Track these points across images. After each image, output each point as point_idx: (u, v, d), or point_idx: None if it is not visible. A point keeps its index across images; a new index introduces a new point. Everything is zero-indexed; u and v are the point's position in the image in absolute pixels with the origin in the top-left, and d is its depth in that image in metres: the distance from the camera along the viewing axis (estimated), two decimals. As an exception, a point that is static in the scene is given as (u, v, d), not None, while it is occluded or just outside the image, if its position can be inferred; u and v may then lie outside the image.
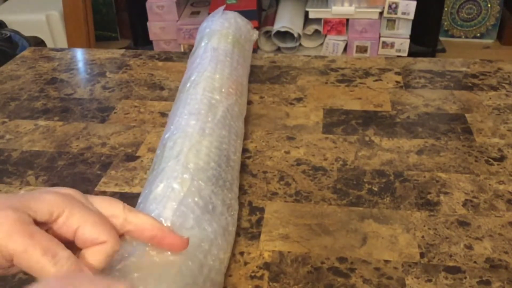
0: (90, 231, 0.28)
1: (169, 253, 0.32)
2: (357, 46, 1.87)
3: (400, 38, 1.84)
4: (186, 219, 0.36)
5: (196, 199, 0.38)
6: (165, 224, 0.35)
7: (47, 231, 0.27)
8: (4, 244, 0.25)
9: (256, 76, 0.70)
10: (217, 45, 0.58)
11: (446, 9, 2.13)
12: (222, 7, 0.66)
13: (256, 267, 0.40)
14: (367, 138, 0.56)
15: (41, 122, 0.61)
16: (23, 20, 1.90)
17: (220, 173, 0.42)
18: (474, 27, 2.17)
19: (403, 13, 1.79)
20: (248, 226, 0.44)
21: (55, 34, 1.97)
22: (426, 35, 1.93)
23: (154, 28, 1.94)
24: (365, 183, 0.49)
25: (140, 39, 2.04)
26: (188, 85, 0.52)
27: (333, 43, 1.87)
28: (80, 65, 0.77)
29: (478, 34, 2.18)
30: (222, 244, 0.37)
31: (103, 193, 0.48)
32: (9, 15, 1.91)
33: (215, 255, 0.36)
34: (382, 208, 0.46)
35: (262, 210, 0.46)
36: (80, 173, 0.51)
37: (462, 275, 0.39)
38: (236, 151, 0.47)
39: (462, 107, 0.61)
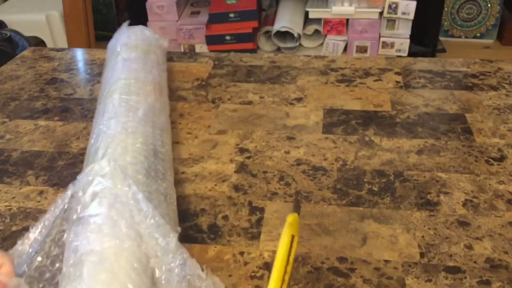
0: None
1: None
2: (357, 46, 1.87)
3: (400, 38, 1.84)
4: (123, 211, 0.36)
5: (130, 191, 0.38)
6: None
7: None
8: None
9: (256, 76, 0.70)
10: (128, 56, 0.59)
11: (446, 9, 2.12)
12: (126, 22, 0.67)
13: (256, 267, 0.40)
14: (367, 138, 0.56)
15: (41, 122, 0.61)
16: (23, 20, 1.90)
17: (150, 165, 0.43)
18: (474, 27, 2.17)
19: (403, 13, 1.79)
20: (248, 226, 0.44)
21: (55, 34, 1.97)
22: (426, 35, 1.93)
23: (154, 28, 1.94)
24: (365, 183, 0.49)
25: (140, 39, 2.04)
26: (103, 97, 0.52)
27: (333, 43, 1.87)
28: (80, 65, 0.77)
29: (478, 34, 2.18)
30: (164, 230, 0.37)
31: (103, 193, 0.48)
32: (9, 15, 1.91)
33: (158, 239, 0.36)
34: (382, 208, 0.46)
35: (262, 210, 0.46)
36: (80, 173, 0.51)
37: (462, 275, 0.39)
38: (163, 144, 0.48)
39: (462, 107, 0.61)
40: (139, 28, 0.66)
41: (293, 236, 0.28)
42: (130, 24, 0.67)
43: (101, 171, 0.39)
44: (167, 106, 0.56)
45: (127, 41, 0.62)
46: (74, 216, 0.36)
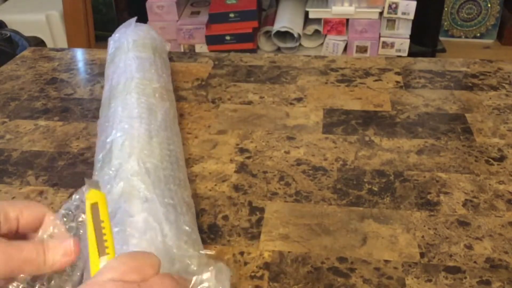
0: (27, 214, 0.32)
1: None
2: (357, 46, 1.87)
3: (400, 38, 1.84)
4: (154, 216, 0.36)
5: (160, 197, 0.37)
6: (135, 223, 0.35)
7: None
8: None
9: (256, 76, 0.70)
10: (139, 54, 0.58)
11: (446, 9, 2.12)
12: (133, 19, 0.66)
13: (256, 267, 0.40)
14: (367, 138, 0.56)
15: (41, 122, 0.61)
16: (23, 20, 1.90)
17: (174, 171, 0.42)
18: (474, 27, 2.17)
19: (403, 13, 1.79)
20: (248, 226, 0.44)
21: (55, 34, 1.97)
22: (426, 35, 1.93)
23: (154, 28, 1.93)
24: (365, 183, 0.49)
25: (140, 39, 2.04)
26: (118, 92, 0.51)
27: (333, 43, 1.87)
28: (80, 65, 0.77)
29: (478, 34, 2.18)
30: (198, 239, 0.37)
31: (103, 193, 0.48)
32: (9, 15, 1.91)
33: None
34: (382, 208, 0.46)
35: (262, 210, 0.46)
36: (80, 173, 0.51)
37: (462, 275, 0.39)
38: (181, 151, 0.48)
39: (462, 107, 0.61)
40: (146, 27, 0.65)
41: (93, 205, 0.29)
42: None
43: (130, 171, 0.38)
44: (176, 113, 0.56)
45: (136, 38, 0.61)
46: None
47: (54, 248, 0.31)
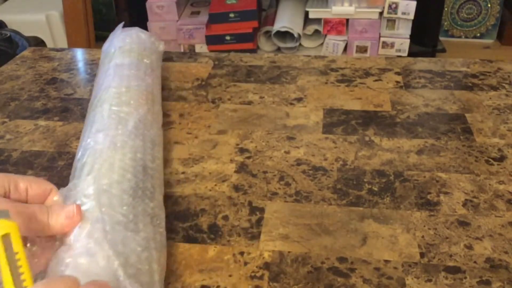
0: (36, 187, 0.35)
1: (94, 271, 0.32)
2: (357, 46, 1.87)
3: (400, 38, 1.84)
4: (103, 237, 0.34)
5: (113, 214, 0.36)
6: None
7: None
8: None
9: (256, 76, 0.70)
10: (121, 61, 0.56)
11: (446, 9, 2.13)
12: (121, 24, 0.65)
13: (256, 267, 0.40)
14: (367, 138, 0.56)
15: (41, 122, 0.61)
16: (23, 20, 1.90)
17: (138, 183, 0.40)
18: (474, 27, 2.17)
19: (403, 13, 1.79)
20: (248, 226, 0.44)
21: (55, 34, 1.97)
22: (426, 35, 1.93)
23: (154, 28, 1.94)
24: (365, 183, 0.49)
25: (140, 39, 2.04)
26: (93, 106, 0.50)
27: (333, 43, 1.87)
28: (80, 65, 0.77)
29: (478, 34, 2.18)
30: (152, 255, 0.36)
31: (103, 193, 0.48)
32: (9, 15, 1.91)
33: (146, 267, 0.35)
34: (382, 208, 0.46)
35: (262, 210, 0.46)
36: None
37: (462, 275, 0.39)
38: (154, 158, 0.45)
39: (462, 107, 0.61)
40: (134, 31, 0.63)
41: (4, 237, 0.28)
42: (129, 25, 0.66)
43: (85, 190, 0.37)
44: (160, 117, 0.54)
45: (122, 44, 0.59)
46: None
47: (58, 210, 0.34)
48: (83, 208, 0.36)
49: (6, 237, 0.28)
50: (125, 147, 0.43)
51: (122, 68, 0.55)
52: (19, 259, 0.28)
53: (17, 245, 0.28)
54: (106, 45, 0.62)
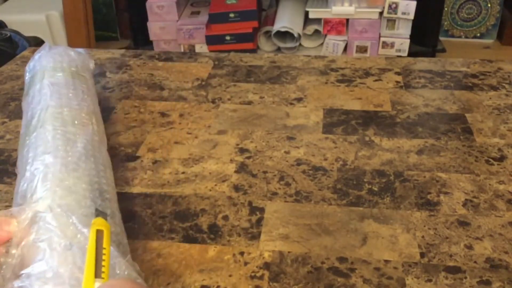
0: None
1: None
2: (357, 46, 1.87)
3: (400, 38, 1.84)
4: (70, 271, 0.31)
5: (76, 249, 0.33)
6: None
7: None
8: None
9: (256, 76, 0.70)
10: (55, 80, 0.53)
11: (446, 9, 2.13)
12: (46, 44, 0.61)
13: (256, 267, 0.40)
14: (367, 138, 0.56)
15: (41, 122, 0.61)
16: (23, 20, 1.90)
17: (98, 208, 0.38)
18: (474, 27, 2.17)
19: (403, 13, 1.79)
20: (248, 226, 0.44)
21: (55, 34, 1.97)
22: (426, 35, 1.93)
23: (154, 28, 1.94)
24: (365, 183, 0.49)
25: (140, 39, 2.04)
26: (32, 127, 0.46)
27: (333, 43, 1.87)
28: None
29: (478, 34, 2.18)
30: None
31: (103, 193, 0.48)
32: (9, 15, 1.91)
33: None
34: (382, 208, 0.46)
35: (262, 210, 0.46)
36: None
37: (462, 275, 0.39)
38: (108, 181, 0.43)
39: (462, 107, 0.61)
40: (62, 49, 0.60)
41: (99, 231, 0.31)
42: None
43: (44, 219, 0.34)
44: (105, 137, 0.50)
45: (52, 63, 0.56)
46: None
47: None
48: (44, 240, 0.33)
49: (99, 232, 0.31)
50: (78, 170, 0.40)
51: (58, 87, 0.51)
52: (104, 253, 0.30)
53: (106, 243, 0.30)
54: (30, 64, 0.58)
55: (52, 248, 0.32)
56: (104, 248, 0.30)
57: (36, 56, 0.58)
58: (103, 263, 0.29)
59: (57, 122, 0.45)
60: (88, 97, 0.53)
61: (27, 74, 0.57)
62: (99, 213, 0.32)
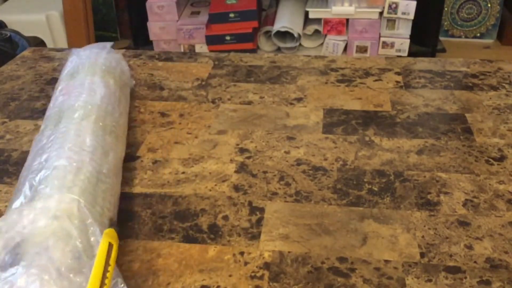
0: None
1: None
2: (357, 46, 1.87)
3: (400, 38, 1.84)
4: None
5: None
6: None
7: None
8: None
9: (256, 76, 0.70)
10: (107, 83, 0.54)
11: (446, 9, 2.13)
12: (110, 44, 0.61)
13: (256, 267, 0.40)
14: (367, 138, 0.56)
15: (41, 122, 0.61)
16: (23, 20, 1.90)
17: (112, 219, 0.40)
18: (474, 27, 2.17)
19: (403, 13, 1.79)
20: (248, 226, 0.44)
21: (55, 34, 1.97)
22: (426, 35, 1.93)
23: (154, 28, 1.94)
24: (365, 183, 0.49)
25: (140, 39, 2.04)
26: (74, 113, 0.47)
27: (333, 43, 1.87)
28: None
29: (478, 34, 2.18)
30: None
31: (103, 193, 0.48)
32: (9, 15, 1.91)
33: None
34: (382, 208, 0.46)
35: (262, 210, 0.46)
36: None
37: (462, 275, 0.39)
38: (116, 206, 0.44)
39: (462, 107, 0.61)
40: (119, 57, 0.60)
41: (110, 244, 0.30)
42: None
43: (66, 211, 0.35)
44: (123, 156, 0.51)
45: (107, 66, 0.57)
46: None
47: None
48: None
49: (110, 246, 0.31)
50: (106, 183, 0.42)
51: (109, 93, 0.53)
52: (109, 271, 0.30)
53: (113, 260, 0.30)
54: (83, 52, 0.59)
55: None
56: (109, 265, 0.30)
57: (94, 49, 0.59)
58: (107, 279, 0.29)
59: (99, 126, 0.47)
60: (124, 115, 0.55)
61: (74, 58, 0.58)
62: (112, 224, 0.32)
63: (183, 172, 0.51)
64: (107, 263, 0.30)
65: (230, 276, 0.39)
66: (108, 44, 0.61)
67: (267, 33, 1.90)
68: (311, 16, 1.84)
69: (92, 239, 0.34)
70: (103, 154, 0.44)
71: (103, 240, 0.30)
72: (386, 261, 0.40)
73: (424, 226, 0.44)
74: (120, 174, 0.47)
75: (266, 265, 0.40)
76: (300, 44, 1.89)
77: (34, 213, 0.35)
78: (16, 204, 0.38)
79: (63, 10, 1.91)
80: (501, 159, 0.52)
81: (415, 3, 1.76)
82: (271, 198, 0.47)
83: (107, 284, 0.29)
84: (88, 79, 0.53)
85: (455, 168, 0.51)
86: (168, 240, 0.43)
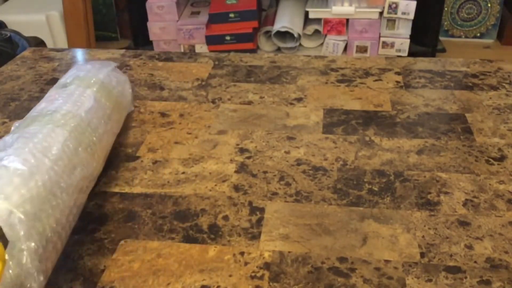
0: None
1: None
2: (357, 46, 1.87)
3: (400, 38, 1.84)
4: None
5: None
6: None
7: None
8: None
9: (256, 76, 0.70)
10: (100, 99, 0.51)
11: (446, 9, 2.13)
12: (114, 64, 0.59)
13: (256, 267, 0.40)
14: (367, 138, 0.56)
15: (41, 122, 0.61)
16: (23, 20, 1.90)
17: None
18: (474, 27, 2.17)
19: (403, 13, 1.79)
20: (248, 226, 0.44)
21: (55, 34, 1.97)
22: (426, 35, 1.93)
23: (154, 28, 1.94)
24: (365, 183, 0.49)
25: (140, 39, 2.04)
26: (52, 118, 0.44)
27: (333, 43, 1.87)
28: (80, 65, 0.77)
29: (478, 34, 2.18)
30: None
31: (104, 193, 0.48)
32: (9, 15, 1.91)
33: None
34: (382, 208, 0.46)
35: (262, 210, 0.46)
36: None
37: (463, 275, 0.39)
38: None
39: (462, 107, 0.61)
40: (124, 80, 0.59)
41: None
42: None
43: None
44: (94, 178, 0.47)
45: (106, 81, 0.54)
46: None
47: None
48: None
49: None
50: (57, 198, 0.38)
51: (100, 108, 0.50)
52: None
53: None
54: (88, 65, 0.56)
55: None
56: None
57: (103, 67, 0.56)
58: None
59: (72, 136, 0.43)
60: (110, 135, 0.51)
61: (77, 69, 0.55)
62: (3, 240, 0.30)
63: (183, 172, 0.51)
64: None
65: (230, 276, 0.39)
66: (114, 64, 0.59)
67: (267, 33, 1.90)
68: (311, 16, 1.85)
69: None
70: (69, 167, 0.40)
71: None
72: (386, 261, 0.40)
73: (424, 226, 0.44)
74: (87, 193, 0.43)
75: (266, 265, 0.40)
76: (300, 44, 1.89)
77: None
78: None
79: (63, 10, 1.91)
80: (501, 159, 0.52)
81: (415, 3, 1.76)
82: (271, 198, 0.47)
83: None
84: (79, 90, 0.50)
85: (455, 168, 0.51)
86: (168, 240, 0.43)
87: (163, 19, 1.93)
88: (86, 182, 0.43)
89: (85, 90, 0.50)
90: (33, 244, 0.33)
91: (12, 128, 0.45)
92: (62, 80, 0.53)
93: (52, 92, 0.51)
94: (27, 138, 0.40)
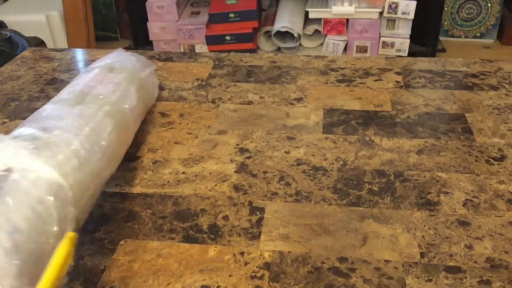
0: None
1: None
2: (357, 46, 1.87)
3: (400, 38, 1.84)
4: None
5: None
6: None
7: None
8: None
9: (256, 76, 0.70)
10: (138, 91, 0.54)
11: (446, 9, 2.13)
12: (153, 65, 0.61)
13: (257, 267, 0.40)
14: (367, 138, 0.56)
15: (41, 122, 0.61)
16: (23, 20, 1.90)
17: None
18: (474, 27, 2.17)
19: (403, 13, 1.79)
20: (248, 226, 0.44)
21: (55, 35, 1.97)
22: (426, 35, 1.93)
23: (154, 28, 1.94)
24: (365, 183, 0.49)
25: (140, 39, 2.04)
26: (87, 101, 0.48)
27: (333, 43, 1.87)
28: (80, 65, 0.77)
29: (478, 34, 2.18)
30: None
31: (104, 193, 0.48)
32: (9, 15, 1.91)
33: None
34: (382, 208, 0.46)
35: (262, 210, 0.46)
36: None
37: (463, 275, 0.39)
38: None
39: (462, 107, 0.61)
40: (153, 74, 0.61)
41: (69, 252, 0.29)
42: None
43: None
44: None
45: (142, 76, 0.57)
46: None
47: None
48: None
49: (69, 253, 0.30)
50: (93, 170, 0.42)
51: (140, 95, 0.54)
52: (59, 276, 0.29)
53: (65, 266, 0.30)
54: (131, 56, 0.59)
55: None
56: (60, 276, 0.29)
57: (141, 62, 0.59)
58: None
59: (115, 129, 0.46)
60: (131, 133, 0.53)
61: (115, 55, 0.57)
62: (77, 228, 0.31)
63: (183, 172, 0.51)
64: (64, 264, 0.29)
65: (230, 276, 0.39)
66: (154, 66, 0.61)
67: (267, 33, 1.90)
68: (311, 16, 1.85)
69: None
70: (110, 158, 0.45)
71: (64, 244, 0.29)
72: (386, 261, 0.40)
73: (424, 226, 0.44)
74: (103, 185, 0.46)
75: (266, 265, 0.40)
76: (300, 44, 1.89)
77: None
78: (24, 131, 0.40)
79: (63, 10, 1.91)
80: (501, 159, 0.52)
81: (415, 3, 1.76)
82: (271, 198, 0.47)
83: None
84: (126, 84, 0.53)
85: (455, 168, 0.51)
86: (168, 240, 0.43)
87: (163, 19, 1.93)
88: (106, 177, 0.45)
89: (130, 85, 0.53)
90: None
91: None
92: (108, 60, 0.56)
93: (98, 71, 0.53)
94: (82, 119, 0.44)
